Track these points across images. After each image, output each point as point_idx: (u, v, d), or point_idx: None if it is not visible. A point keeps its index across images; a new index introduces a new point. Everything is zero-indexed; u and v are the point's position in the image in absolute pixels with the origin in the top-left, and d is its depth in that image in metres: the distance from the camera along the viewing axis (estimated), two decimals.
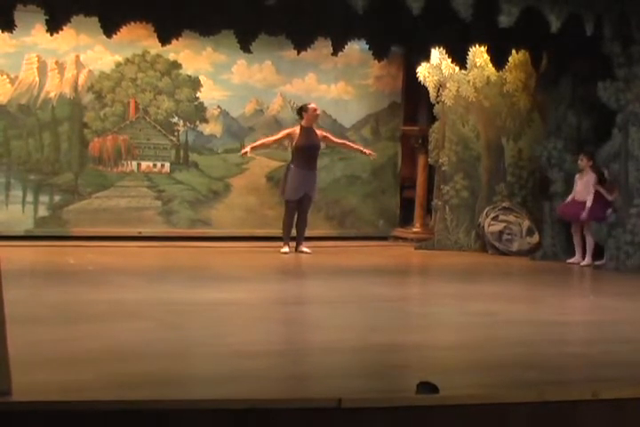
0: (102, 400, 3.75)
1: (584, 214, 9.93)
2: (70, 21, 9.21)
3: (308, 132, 10.44)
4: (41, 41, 10.94)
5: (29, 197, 11.20)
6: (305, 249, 10.46)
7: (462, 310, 6.81)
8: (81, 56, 11.34)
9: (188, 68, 11.78)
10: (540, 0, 8.69)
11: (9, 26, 9.09)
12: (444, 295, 7.71)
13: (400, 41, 10.81)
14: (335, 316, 6.54)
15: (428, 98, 11.62)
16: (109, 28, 9.29)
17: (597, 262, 9.85)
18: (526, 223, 11.20)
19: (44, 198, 11.26)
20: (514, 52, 10.82)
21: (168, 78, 11.72)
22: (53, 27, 9.12)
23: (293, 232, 10.54)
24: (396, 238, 12.41)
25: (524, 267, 10.24)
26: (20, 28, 9.41)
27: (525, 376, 4.49)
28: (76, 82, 11.36)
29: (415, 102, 12.63)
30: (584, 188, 10.08)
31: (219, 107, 11.98)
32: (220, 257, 10.39)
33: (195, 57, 11.76)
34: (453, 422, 3.92)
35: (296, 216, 10.50)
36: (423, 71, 11.45)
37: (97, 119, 11.47)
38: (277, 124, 12.02)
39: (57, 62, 11.27)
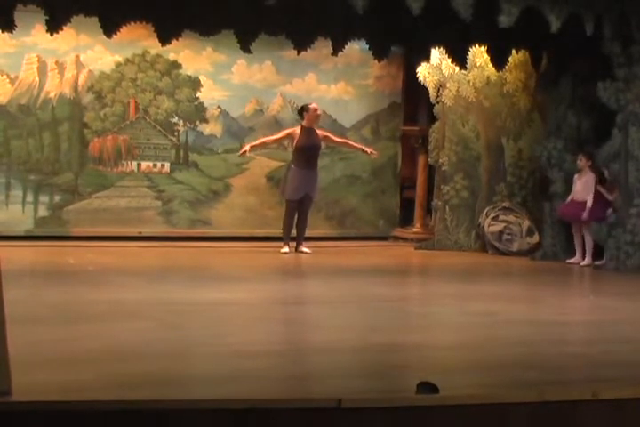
0: (102, 400, 3.75)
1: (585, 214, 9.92)
2: (70, 21, 9.21)
3: (308, 132, 10.44)
4: (41, 41, 10.94)
5: (29, 197, 11.20)
6: (305, 249, 10.46)
7: (462, 310, 6.81)
8: (81, 56, 11.34)
9: (188, 68, 11.78)
10: (539, 0, 8.69)
11: (9, 26, 9.09)
12: (444, 295, 7.71)
13: (400, 41, 10.81)
14: (335, 316, 6.54)
15: (428, 98, 11.62)
16: (109, 28, 9.29)
17: (597, 262, 9.85)
18: (526, 223, 11.20)
19: (44, 198, 11.26)
20: (514, 52, 10.82)
21: (168, 78, 11.72)
22: (53, 27, 9.12)
23: (293, 232, 10.55)
24: (396, 238, 12.41)
25: (524, 267, 10.24)
26: (20, 28, 9.40)
27: (525, 376, 4.49)
28: (75, 82, 11.36)
29: (415, 102, 12.63)
30: (583, 188, 10.08)
31: (219, 107, 11.98)
32: (220, 257, 10.39)
33: (195, 57, 11.75)
34: (453, 422, 3.92)
35: (296, 216, 10.50)
36: (423, 71, 11.45)
37: (97, 119, 11.47)
38: (277, 124, 12.02)
39: (57, 62, 11.27)
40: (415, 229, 12.27)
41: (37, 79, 11.23)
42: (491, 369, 4.72)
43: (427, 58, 11.34)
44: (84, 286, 7.57)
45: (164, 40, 9.61)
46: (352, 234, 12.37)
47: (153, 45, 10.75)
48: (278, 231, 10.62)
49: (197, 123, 11.90)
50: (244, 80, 12.03)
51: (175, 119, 11.81)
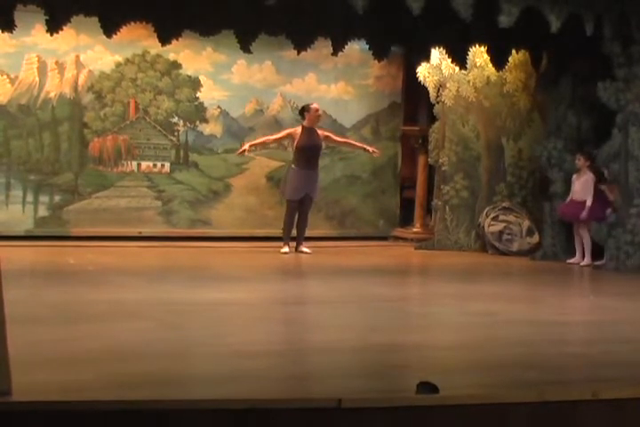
0: (102, 400, 3.75)
1: (584, 214, 9.93)
2: (70, 21, 9.21)
3: (309, 132, 10.43)
4: (41, 41, 10.94)
5: (29, 197, 11.20)
6: (305, 249, 10.46)
7: (462, 310, 6.81)
8: (81, 56, 11.34)
9: (188, 68, 11.79)
10: (539, 0, 8.69)
11: (9, 26, 9.09)
12: (444, 295, 7.71)
13: (400, 41, 10.81)
14: (335, 316, 6.54)
15: (428, 98, 11.62)
16: (109, 28, 9.29)
17: (597, 262, 9.85)
18: (526, 223, 11.20)
19: (44, 198, 11.26)
20: (514, 52, 10.82)
21: (168, 78, 11.72)
22: (53, 27, 9.12)
23: (293, 232, 10.54)
24: (396, 238, 12.41)
25: (524, 267, 10.24)
26: (20, 28, 9.40)
27: (525, 376, 4.49)
28: (75, 82, 11.36)
29: (415, 102, 12.63)
30: (582, 188, 10.08)
31: (219, 107, 11.98)
32: (220, 257, 10.39)
33: (195, 57, 11.75)
34: (453, 422, 3.92)
35: (296, 216, 10.50)
36: (423, 71, 11.45)
37: (97, 119, 11.47)
38: (277, 124, 12.02)
39: (57, 62, 11.27)
40: (415, 229, 12.27)
41: (37, 79, 11.23)
42: (491, 369, 4.72)
43: (427, 58, 11.34)
44: (83, 286, 7.57)
45: (164, 40, 9.61)
46: (352, 234, 12.37)
47: (153, 45, 10.75)
48: (278, 231, 10.62)
49: (197, 123, 11.90)
50: (243, 80, 12.03)
51: (175, 119, 11.81)
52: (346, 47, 10.36)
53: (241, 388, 4.11)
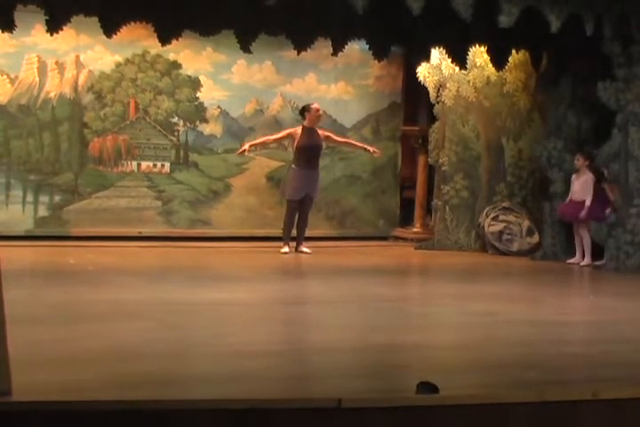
0: (102, 400, 3.75)
1: (583, 213, 9.93)
2: (70, 21, 9.21)
3: (310, 132, 10.43)
4: (41, 41, 10.94)
5: (29, 197, 11.20)
6: (305, 249, 10.46)
7: (462, 310, 6.81)
8: (81, 56, 11.34)
9: (188, 68, 11.79)
10: (539, 0, 8.69)
11: (9, 26, 9.09)
12: (444, 295, 7.71)
13: (400, 41, 10.81)
14: (335, 316, 6.54)
15: (428, 98, 11.63)
16: (109, 28, 9.29)
17: (597, 262, 9.85)
18: (526, 223, 11.20)
19: (44, 198, 11.26)
20: (514, 52, 10.82)
21: (168, 78, 11.72)
22: (53, 27, 9.12)
23: (293, 232, 10.54)
24: (396, 238, 12.41)
25: (524, 267, 10.24)
26: (20, 28, 9.40)
27: (525, 376, 4.49)
28: (75, 82, 11.36)
29: (415, 102, 12.63)
30: (581, 188, 10.08)
31: (219, 107, 11.98)
32: (220, 257, 10.39)
33: (195, 57, 11.75)
34: (453, 422, 3.92)
35: (297, 216, 10.50)
36: (423, 71, 11.45)
37: (97, 119, 11.47)
38: (277, 124, 12.02)
39: (57, 62, 11.27)
40: (415, 229, 12.27)
41: (37, 79, 11.23)
42: (491, 369, 4.72)
43: (427, 58, 11.34)
44: (83, 286, 7.57)
45: (164, 40, 9.61)
46: (352, 234, 12.37)
47: (153, 45, 10.75)
48: (278, 231, 10.62)
49: (197, 123, 11.91)
50: (244, 80, 12.03)
51: (175, 119, 11.81)
52: (346, 47, 10.36)
53: (241, 388, 4.11)
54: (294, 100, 12.08)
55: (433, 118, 11.79)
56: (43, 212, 11.25)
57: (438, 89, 11.45)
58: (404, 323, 6.33)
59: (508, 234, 11.13)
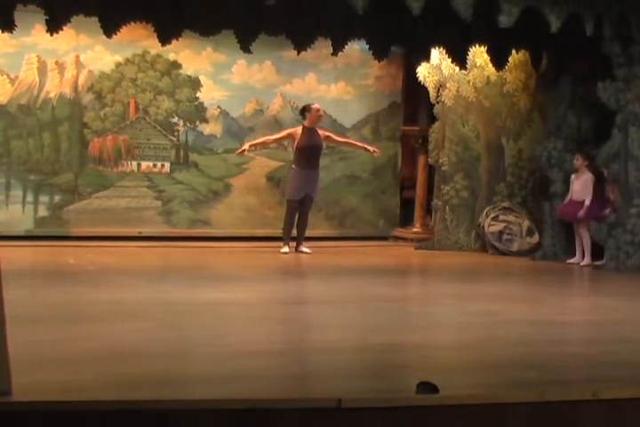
0: (102, 400, 3.75)
1: (581, 212, 9.93)
2: (70, 21, 9.21)
3: (310, 132, 10.43)
4: (41, 41, 10.94)
5: (29, 197, 11.20)
6: (305, 249, 10.46)
7: (462, 310, 6.81)
8: (81, 56, 11.34)
9: (188, 68, 11.79)
10: (539, 0, 8.69)
11: (9, 26, 9.09)
12: (444, 295, 7.71)
13: (400, 41, 10.80)
14: (335, 316, 6.54)
15: (428, 98, 11.63)
16: (109, 28, 9.29)
17: (597, 262, 9.85)
18: (526, 223, 11.20)
19: (44, 198, 11.26)
20: (514, 52, 10.82)
21: (168, 78, 11.72)
22: (53, 27, 9.12)
23: (293, 232, 10.54)
24: (396, 238, 12.41)
25: (524, 267, 10.24)
26: (20, 28, 9.40)
27: (525, 376, 4.49)
28: (76, 82, 11.36)
29: (415, 102, 12.63)
30: (581, 188, 10.08)
31: (219, 107, 11.98)
32: (220, 257, 10.39)
33: (195, 57, 11.76)
34: (453, 422, 3.92)
35: (297, 216, 10.50)
36: (423, 71, 11.45)
37: (97, 119, 11.47)
38: (277, 124, 12.02)
39: (57, 62, 11.27)
40: (415, 229, 12.27)
41: (37, 79, 11.23)
42: (491, 369, 4.72)
43: (427, 58, 11.34)
44: (83, 286, 7.57)
45: (164, 40, 9.61)
46: (352, 234, 12.38)
47: (153, 45, 10.75)
48: (278, 231, 10.62)
49: (197, 123, 11.91)
50: (244, 80, 12.04)
51: (175, 119, 11.81)
52: (346, 47, 10.35)
53: (241, 388, 4.11)
54: (294, 100, 12.08)
55: (433, 118, 11.79)
56: (43, 212, 11.25)
57: (438, 89, 11.45)
58: (404, 323, 6.33)
59: (508, 234, 11.13)
